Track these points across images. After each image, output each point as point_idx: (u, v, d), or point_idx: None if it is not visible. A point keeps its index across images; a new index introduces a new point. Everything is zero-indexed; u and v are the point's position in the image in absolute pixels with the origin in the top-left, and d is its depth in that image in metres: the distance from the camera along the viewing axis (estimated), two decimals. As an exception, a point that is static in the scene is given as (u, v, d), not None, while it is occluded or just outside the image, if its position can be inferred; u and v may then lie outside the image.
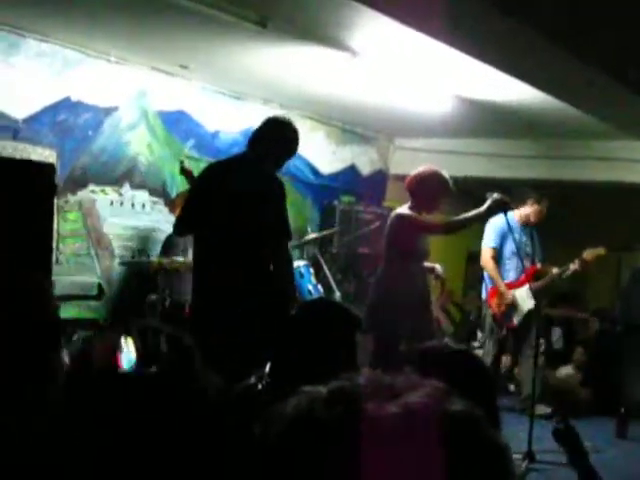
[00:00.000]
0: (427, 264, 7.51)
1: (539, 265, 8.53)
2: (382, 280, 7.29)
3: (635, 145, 9.48)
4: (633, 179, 10.52)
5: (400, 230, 7.18)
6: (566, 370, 10.09)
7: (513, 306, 8.25)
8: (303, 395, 0.94)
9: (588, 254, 8.41)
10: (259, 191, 6.09)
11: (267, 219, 6.08)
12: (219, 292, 6.00)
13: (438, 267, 7.70)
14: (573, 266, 8.40)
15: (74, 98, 8.59)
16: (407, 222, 7.16)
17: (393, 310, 6.92)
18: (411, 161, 11.94)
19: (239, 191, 6.06)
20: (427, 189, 7.17)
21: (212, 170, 6.46)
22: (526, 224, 8.56)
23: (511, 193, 7.67)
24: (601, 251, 8.39)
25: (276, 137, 6.30)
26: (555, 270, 8.50)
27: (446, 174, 7.27)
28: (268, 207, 6.11)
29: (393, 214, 7.38)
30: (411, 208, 7.21)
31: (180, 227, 6.46)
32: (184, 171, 7.44)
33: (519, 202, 8.50)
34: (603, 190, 11.08)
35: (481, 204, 7.09)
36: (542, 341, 9.02)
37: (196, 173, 7.14)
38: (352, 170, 11.94)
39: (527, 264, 8.33)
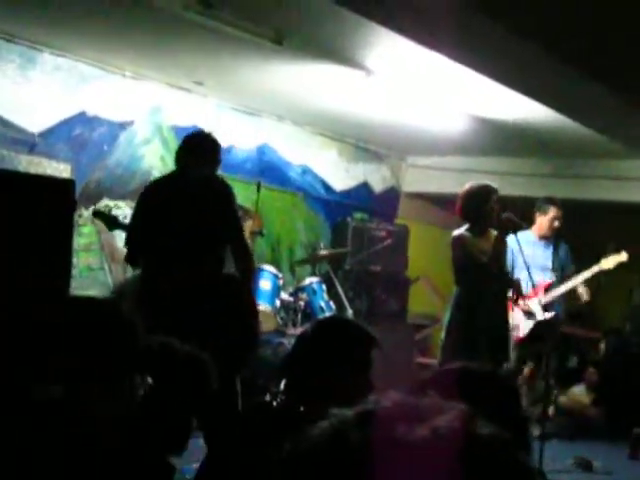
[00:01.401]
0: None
1: (554, 279, 8.36)
2: (453, 309, 7.23)
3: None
4: (643, 199, 10.52)
5: (455, 252, 7.14)
6: (578, 390, 10.07)
7: (530, 314, 8.10)
8: (333, 418, 0.95)
9: (607, 261, 8.17)
10: (201, 197, 6.11)
11: (216, 221, 6.08)
12: (166, 300, 5.97)
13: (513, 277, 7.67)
14: (586, 274, 8.20)
15: (90, 113, 8.62)
16: (458, 244, 7.11)
17: (467, 340, 6.92)
18: (423, 178, 12.00)
19: (179, 201, 6.08)
20: (472, 203, 7.10)
21: (148, 190, 6.47)
22: (545, 236, 8.42)
23: (525, 211, 7.62)
24: (622, 257, 8.16)
25: (204, 147, 6.36)
26: (567, 283, 8.31)
27: (487, 183, 7.21)
28: (215, 210, 6.11)
29: (452, 236, 7.28)
30: (469, 229, 7.15)
31: (130, 256, 6.45)
32: (101, 217, 7.29)
33: (537, 214, 8.40)
34: (614, 210, 11.06)
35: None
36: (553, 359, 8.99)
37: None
38: (364, 187, 11.93)
39: (546, 278, 8.24)
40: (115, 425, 2.29)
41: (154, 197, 6.26)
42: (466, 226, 7.15)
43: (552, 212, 8.31)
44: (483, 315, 6.94)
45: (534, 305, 7.95)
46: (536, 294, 8.06)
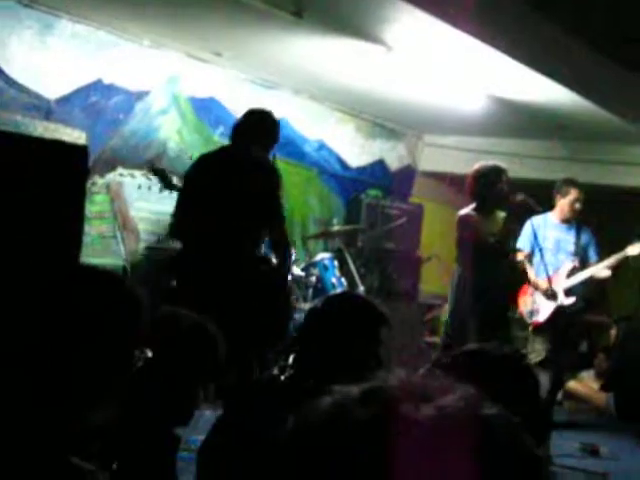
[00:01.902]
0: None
1: (577, 263, 8.29)
2: (455, 288, 7.25)
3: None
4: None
5: (460, 231, 7.15)
6: (587, 375, 10.07)
7: (553, 296, 8.07)
8: (337, 394, 0.94)
9: (634, 248, 8.09)
10: (248, 175, 6.10)
11: (256, 203, 6.08)
12: (205, 276, 6.00)
13: (521, 256, 7.70)
14: (610, 260, 8.12)
15: (106, 81, 8.62)
16: (467, 222, 7.12)
17: (469, 318, 6.94)
18: (440, 158, 11.99)
19: (228, 177, 6.08)
20: (480, 185, 7.10)
21: (197, 164, 6.47)
22: (566, 220, 8.33)
23: (542, 194, 7.59)
24: None
25: (264, 127, 6.39)
26: (590, 269, 8.24)
27: (496, 164, 7.21)
28: (256, 192, 6.11)
29: (458, 215, 7.30)
30: (475, 209, 7.15)
31: (175, 230, 6.47)
32: (158, 174, 7.30)
33: (557, 196, 8.32)
34: (633, 195, 11.02)
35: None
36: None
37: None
38: (380, 164, 11.93)
39: (566, 262, 8.19)
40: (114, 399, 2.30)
41: (203, 171, 6.28)
42: (473, 206, 7.15)
43: (573, 194, 8.20)
44: (485, 295, 6.95)
45: (557, 289, 7.90)
46: (557, 278, 8.03)
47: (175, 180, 6.97)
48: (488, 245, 7.08)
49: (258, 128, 6.35)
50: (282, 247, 6.30)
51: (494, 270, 7.10)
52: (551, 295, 8.02)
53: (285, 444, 0.94)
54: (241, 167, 6.14)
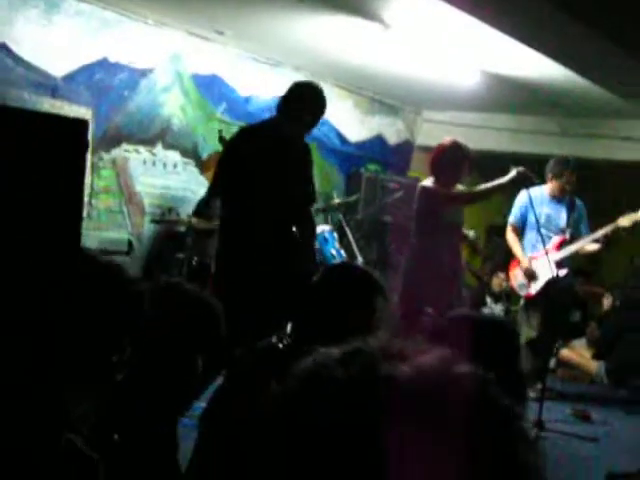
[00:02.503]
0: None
1: (567, 237, 8.29)
2: (412, 251, 7.27)
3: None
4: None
5: (425, 202, 7.15)
6: (580, 344, 10.11)
7: (532, 276, 8.10)
8: (318, 355, 0.95)
9: (625, 219, 8.06)
10: (285, 155, 6.06)
11: (292, 183, 6.06)
12: (242, 254, 6.00)
13: (470, 233, 7.69)
14: (602, 232, 8.11)
15: (111, 59, 8.62)
16: (431, 194, 7.12)
17: (420, 280, 6.94)
18: (437, 133, 11.93)
19: (266, 155, 6.04)
20: (449, 159, 7.12)
21: (242, 135, 6.43)
22: (558, 196, 8.34)
23: (535, 169, 7.58)
24: (639, 216, 8.04)
25: (305, 101, 6.25)
26: (582, 240, 8.22)
27: (463, 142, 7.22)
28: (293, 171, 6.09)
29: (419, 187, 7.32)
30: (436, 182, 7.16)
31: (212, 190, 6.46)
32: (222, 140, 7.39)
33: (550, 175, 8.32)
34: (628, 169, 11.03)
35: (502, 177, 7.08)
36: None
37: (227, 137, 7.16)
38: (379, 139, 11.93)
39: (556, 236, 8.19)
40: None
41: (242, 143, 6.25)
42: (433, 179, 7.16)
43: (565, 176, 8.20)
44: (440, 265, 6.98)
45: (545, 263, 7.89)
46: (549, 251, 8.03)
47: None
48: (449, 219, 7.13)
49: (295, 102, 6.25)
50: (309, 226, 6.31)
51: (451, 243, 7.15)
52: (530, 275, 8.05)
53: (270, 404, 0.94)
54: (277, 145, 6.09)
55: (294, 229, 6.16)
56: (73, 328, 2.09)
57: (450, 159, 7.09)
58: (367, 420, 0.86)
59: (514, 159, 7.43)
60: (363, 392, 0.88)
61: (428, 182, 7.20)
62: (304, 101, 6.22)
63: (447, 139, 7.27)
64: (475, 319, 2.76)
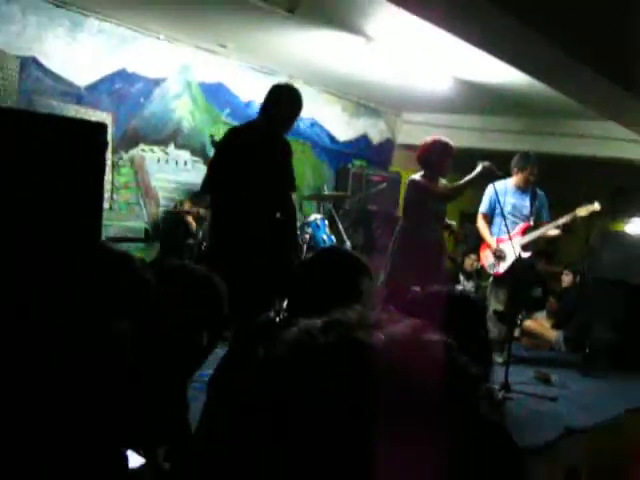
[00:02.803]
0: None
1: (532, 223, 8.30)
2: (401, 236, 7.26)
3: (607, 124, 9.40)
4: (605, 154, 10.48)
5: (414, 193, 7.15)
6: (541, 315, 10.13)
7: (500, 257, 8.10)
8: (302, 324, 0.95)
9: (582, 209, 8.09)
10: (267, 151, 6.04)
11: (274, 174, 6.04)
12: (233, 239, 5.97)
13: (453, 223, 7.70)
14: (563, 219, 8.13)
15: (129, 70, 8.61)
16: (418, 186, 7.12)
17: (408, 261, 6.95)
18: (415, 133, 11.94)
19: (251, 151, 6.02)
20: (433, 155, 7.10)
21: (230, 134, 6.39)
22: (522, 188, 8.35)
23: (502, 163, 7.57)
24: (596, 206, 8.05)
25: (282, 102, 6.21)
26: (544, 227, 8.24)
27: (446, 139, 7.21)
28: (276, 164, 6.07)
29: (408, 179, 7.31)
30: (424, 176, 7.15)
31: (205, 187, 6.41)
32: (214, 143, 7.36)
33: (515, 169, 8.32)
34: (580, 163, 11.02)
35: (471, 172, 7.08)
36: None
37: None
38: (364, 139, 11.92)
39: (521, 223, 8.20)
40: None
41: (232, 142, 6.23)
42: (422, 173, 7.16)
43: (528, 169, 8.21)
44: (425, 248, 6.98)
45: (511, 245, 7.89)
46: (515, 236, 8.05)
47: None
48: (433, 208, 7.13)
49: (274, 103, 6.22)
50: (290, 209, 6.29)
51: (428, 225, 7.15)
52: (498, 255, 8.06)
53: (258, 369, 0.94)
54: (261, 143, 6.07)
55: (278, 214, 6.15)
56: (90, 301, 2.08)
57: (435, 155, 7.09)
58: (344, 379, 0.86)
59: (483, 155, 7.42)
60: (340, 356, 0.88)
61: (417, 176, 7.19)
62: (282, 102, 6.19)
63: (432, 137, 7.25)
64: (447, 294, 2.75)
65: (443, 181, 7.26)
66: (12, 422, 1.84)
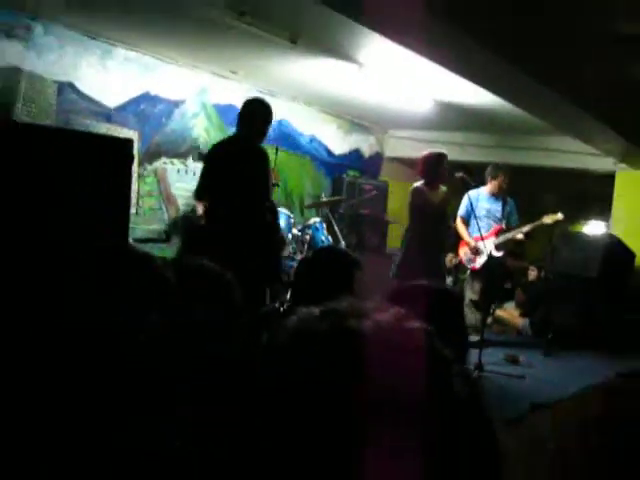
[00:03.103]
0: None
1: (504, 226, 8.33)
2: (408, 235, 7.27)
3: (566, 140, 9.42)
4: (566, 165, 10.49)
5: (415, 199, 7.16)
6: (510, 306, 10.13)
7: (477, 252, 8.11)
8: (301, 313, 0.95)
9: (548, 218, 8.16)
10: (245, 159, 6.03)
11: (252, 179, 6.02)
12: (224, 234, 5.95)
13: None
14: (529, 226, 8.19)
15: (152, 93, 8.61)
16: (418, 192, 7.13)
17: (413, 257, 6.98)
18: (400, 147, 11.98)
19: (232, 161, 6.03)
20: (428, 165, 7.12)
21: (215, 148, 6.40)
22: (495, 194, 8.37)
23: (474, 174, 7.59)
24: (559, 217, 8.14)
25: (255, 115, 6.19)
26: (514, 230, 8.29)
27: (439, 150, 7.23)
28: (254, 170, 6.05)
29: (411, 187, 7.30)
30: (424, 184, 7.16)
31: (198, 194, 6.40)
32: (200, 155, 7.27)
33: (489, 178, 8.35)
34: (544, 173, 11.03)
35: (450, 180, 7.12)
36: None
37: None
38: (356, 152, 11.92)
39: (495, 225, 8.24)
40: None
41: (217, 154, 6.24)
42: (422, 181, 7.17)
43: (500, 177, 8.24)
44: (425, 245, 6.98)
45: (486, 244, 7.90)
46: (490, 236, 8.09)
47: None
48: (431, 211, 7.12)
49: (252, 116, 6.22)
50: (271, 207, 6.28)
51: (434, 230, 7.14)
52: (475, 251, 8.08)
53: (263, 354, 0.94)
54: (240, 151, 6.08)
55: (264, 214, 6.13)
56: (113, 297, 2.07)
57: (431, 166, 7.10)
58: (338, 360, 0.87)
59: (460, 167, 7.43)
60: (335, 340, 0.89)
61: (418, 184, 7.20)
62: (255, 115, 6.19)
63: (427, 151, 7.27)
64: (428, 287, 2.75)
65: (443, 188, 7.25)
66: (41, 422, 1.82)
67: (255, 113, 6.21)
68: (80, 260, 1.99)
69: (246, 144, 6.11)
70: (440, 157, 7.12)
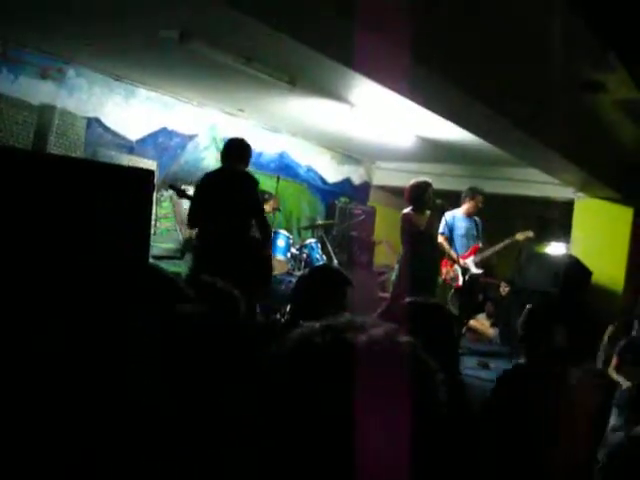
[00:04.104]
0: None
1: (480, 245, 8.35)
2: (402, 257, 7.22)
3: (530, 171, 9.41)
4: (530, 193, 10.51)
5: (405, 223, 7.12)
6: (481, 317, 10.11)
7: (462, 273, 8.09)
8: (304, 327, 0.95)
9: (520, 235, 8.20)
10: (236, 186, 6.00)
11: (245, 203, 5.98)
12: (216, 254, 5.87)
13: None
14: (504, 243, 8.22)
15: (169, 128, 8.63)
16: (407, 217, 7.11)
17: (406, 276, 6.94)
18: (386, 177, 12.00)
19: (222, 188, 5.99)
20: (414, 193, 7.10)
21: (204, 179, 6.34)
22: (470, 216, 8.39)
23: (453, 200, 7.60)
24: (530, 234, 8.19)
25: (240, 149, 6.21)
26: (491, 248, 8.30)
27: (424, 178, 7.21)
28: (244, 196, 6.00)
29: (401, 213, 7.24)
30: (412, 209, 7.14)
31: (190, 222, 6.36)
32: (174, 189, 7.02)
33: (467, 199, 8.37)
34: (512, 200, 11.05)
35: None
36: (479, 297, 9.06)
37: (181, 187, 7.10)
38: (348, 181, 11.93)
39: (473, 244, 8.26)
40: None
41: (207, 184, 6.21)
42: (410, 207, 7.15)
43: (476, 199, 8.30)
44: (418, 266, 6.94)
45: (467, 262, 7.93)
46: (469, 255, 8.12)
47: (188, 191, 6.86)
48: (419, 233, 7.09)
49: (238, 151, 6.23)
50: (263, 230, 6.18)
51: (424, 250, 7.11)
52: (462, 271, 8.05)
53: (268, 365, 0.94)
54: (232, 181, 6.05)
55: (257, 233, 6.07)
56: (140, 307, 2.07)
57: (416, 193, 7.06)
58: (337, 371, 0.87)
59: (439, 194, 7.44)
60: (334, 353, 0.89)
61: (407, 210, 7.15)
62: (239, 148, 6.18)
63: (413, 180, 7.23)
64: (422, 303, 2.73)
65: (428, 212, 7.21)
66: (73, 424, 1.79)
67: (240, 147, 6.23)
68: (109, 277, 1.99)
69: (231, 172, 6.08)
70: (426, 185, 7.11)
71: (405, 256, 7.13)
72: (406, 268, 7.03)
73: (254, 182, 6.10)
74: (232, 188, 5.99)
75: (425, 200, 7.09)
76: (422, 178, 7.26)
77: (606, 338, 7.49)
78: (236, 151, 6.19)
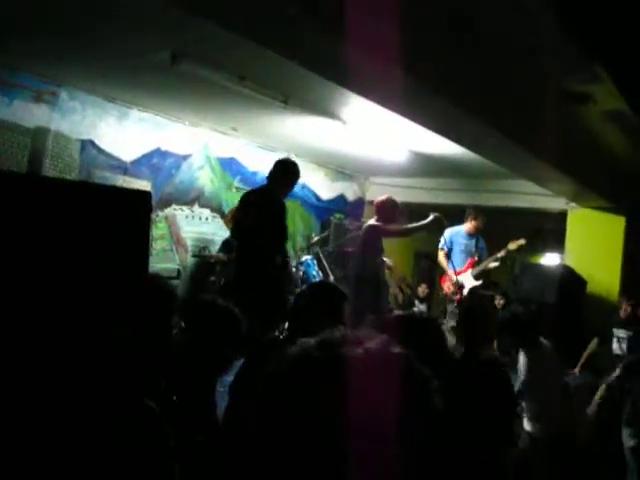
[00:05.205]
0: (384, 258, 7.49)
1: (476, 258, 8.42)
2: (358, 268, 7.26)
3: (522, 183, 9.45)
4: (523, 205, 10.54)
5: (370, 235, 7.18)
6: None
7: (461, 287, 8.14)
8: (301, 343, 0.97)
9: (512, 244, 8.29)
10: (271, 211, 6.07)
11: (275, 228, 6.05)
12: (247, 274, 5.97)
13: (388, 261, 7.75)
14: (500, 254, 8.32)
15: (163, 148, 8.64)
16: (376, 229, 7.15)
17: (362, 287, 6.96)
18: (380, 192, 11.96)
19: (260, 210, 6.06)
20: (386, 208, 7.18)
21: (246, 196, 6.43)
22: (472, 233, 8.49)
23: (446, 214, 7.64)
24: (522, 241, 8.28)
25: (284, 173, 6.25)
26: (486, 260, 8.40)
27: (395, 198, 7.30)
28: (276, 221, 6.07)
29: (366, 224, 7.37)
30: (377, 220, 7.21)
31: (232, 234, 6.47)
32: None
33: (469, 218, 8.48)
34: (505, 212, 11.09)
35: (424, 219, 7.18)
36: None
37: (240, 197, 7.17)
38: (342, 197, 11.96)
39: (469, 259, 8.35)
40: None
41: (247, 202, 6.27)
42: (376, 218, 7.21)
43: (479, 220, 8.43)
44: (380, 273, 7.01)
45: (466, 277, 8.02)
46: (466, 269, 8.20)
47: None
48: (381, 244, 7.19)
49: (276, 173, 6.26)
50: (284, 255, 6.28)
51: (381, 260, 7.19)
52: (459, 286, 8.11)
53: (267, 377, 0.96)
54: (263, 205, 6.10)
55: (277, 258, 6.14)
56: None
57: (386, 207, 7.16)
58: (334, 383, 0.88)
59: (432, 208, 7.48)
60: (331, 366, 0.90)
61: (372, 221, 7.25)
62: (284, 173, 6.23)
63: (384, 196, 7.34)
64: (411, 317, 2.76)
65: (393, 226, 7.27)
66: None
67: (285, 171, 6.25)
68: (112, 291, 2.02)
69: (270, 196, 6.12)
70: (394, 202, 7.23)
71: (366, 263, 7.17)
72: (367, 278, 7.07)
73: (284, 209, 6.16)
74: (265, 211, 6.04)
75: (393, 214, 7.20)
76: (390, 196, 7.34)
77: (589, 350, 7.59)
78: (276, 173, 6.23)
